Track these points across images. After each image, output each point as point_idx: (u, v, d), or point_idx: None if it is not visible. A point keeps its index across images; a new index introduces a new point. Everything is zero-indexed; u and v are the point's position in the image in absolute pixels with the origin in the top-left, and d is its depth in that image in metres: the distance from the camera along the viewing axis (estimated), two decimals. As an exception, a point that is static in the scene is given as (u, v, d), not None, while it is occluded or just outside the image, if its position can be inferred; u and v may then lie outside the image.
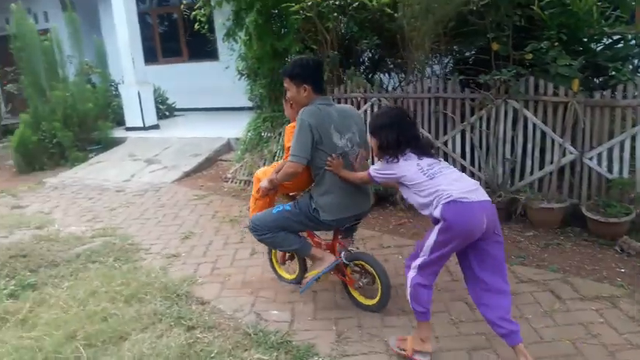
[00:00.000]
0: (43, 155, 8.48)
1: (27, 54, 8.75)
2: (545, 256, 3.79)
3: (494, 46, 4.74)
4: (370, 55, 6.42)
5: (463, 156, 4.82)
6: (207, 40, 9.44)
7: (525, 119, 4.47)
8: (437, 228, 2.37)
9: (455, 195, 2.30)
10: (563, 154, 4.32)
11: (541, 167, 4.47)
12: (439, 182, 2.38)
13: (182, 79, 11.10)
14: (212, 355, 2.74)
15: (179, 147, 8.09)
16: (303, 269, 3.45)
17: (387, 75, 6.41)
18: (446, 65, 6.04)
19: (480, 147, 4.71)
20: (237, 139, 7.43)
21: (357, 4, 5.38)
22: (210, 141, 8.01)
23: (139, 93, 9.39)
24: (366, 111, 5.19)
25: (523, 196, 4.38)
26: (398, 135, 2.52)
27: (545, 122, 4.38)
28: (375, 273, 3.07)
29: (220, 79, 8.12)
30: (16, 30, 8.73)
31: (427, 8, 4.85)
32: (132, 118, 9.59)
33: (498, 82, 4.50)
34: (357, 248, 3.93)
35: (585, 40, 4.73)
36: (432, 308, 2.55)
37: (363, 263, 3.14)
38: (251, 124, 6.74)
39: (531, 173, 4.52)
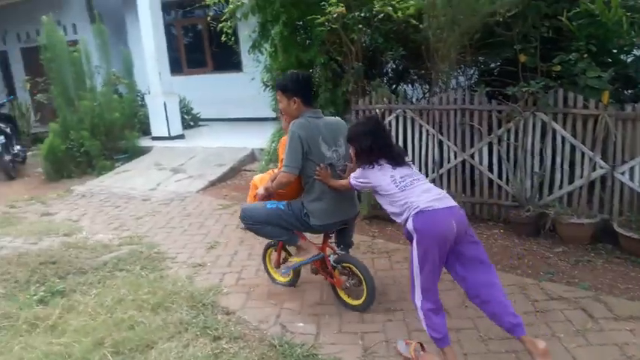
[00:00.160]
0: (71, 163, 8.63)
1: (57, 65, 8.93)
2: (575, 273, 3.71)
3: (522, 58, 4.70)
4: (394, 66, 6.42)
5: (490, 169, 4.76)
6: (231, 51, 9.55)
7: (554, 132, 4.40)
8: (414, 244, 2.54)
9: (422, 206, 2.51)
10: (594, 168, 4.24)
11: (570, 181, 4.39)
12: (409, 194, 2.60)
13: (206, 89, 11.22)
14: (238, 366, 2.75)
15: (204, 157, 8.17)
16: (297, 273, 3.69)
17: (410, 86, 6.40)
18: (471, 76, 6.00)
19: (508, 160, 4.65)
20: (262, 149, 7.47)
21: (382, 15, 5.38)
22: (234, 151, 8.08)
23: (164, 103, 9.53)
24: (390, 122, 5.18)
25: (552, 210, 4.30)
26: (372, 143, 2.75)
27: (574, 135, 4.31)
28: (361, 275, 3.26)
29: (244, 90, 8.21)
30: (47, 41, 8.93)
31: (453, 19, 4.84)
32: (158, 127, 9.72)
33: (526, 94, 4.44)
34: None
35: (615, 51, 4.66)
36: (448, 334, 2.60)
37: (350, 266, 3.34)
38: (275, 134, 6.77)
39: (560, 187, 4.44)
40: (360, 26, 5.41)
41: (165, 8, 10.25)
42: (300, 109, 3.20)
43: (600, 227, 4.19)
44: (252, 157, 7.95)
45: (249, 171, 7.49)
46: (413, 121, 5.06)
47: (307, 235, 3.46)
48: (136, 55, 10.38)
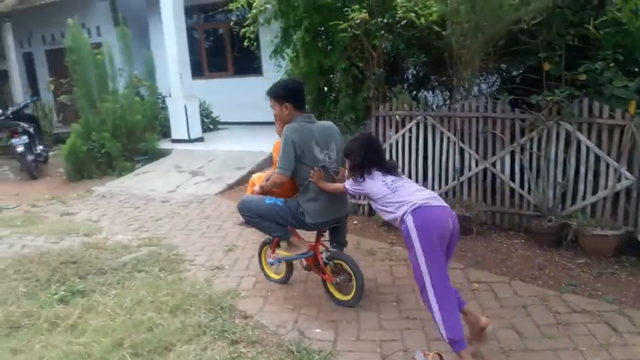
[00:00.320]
0: (92, 164, 8.75)
1: (81, 67, 9.08)
2: (598, 286, 3.63)
3: (546, 66, 4.64)
4: (414, 72, 6.39)
5: (512, 178, 4.70)
6: (252, 56, 9.59)
7: (578, 142, 4.33)
8: (415, 243, 2.62)
9: (418, 202, 2.67)
10: (619, 180, 4.16)
11: (594, 192, 4.30)
12: (401, 194, 2.78)
13: (226, 93, 11.30)
14: (256, 371, 2.74)
15: (223, 160, 8.22)
16: (290, 271, 3.87)
17: (430, 92, 6.36)
18: (492, 84, 5.94)
19: (530, 169, 4.59)
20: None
21: (404, 22, 5.37)
22: (253, 155, 8.11)
23: (185, 106, 9.61)
24: (410, 129, 5.15)
25: (575, 221, 4.22)
26: (364, 157, 2.94)
27: (599, 146, 4.23)
28: (351, 272, 3.42)
29: (264, 94, 8.14)
30: (72, 44, 9.08)
31: (477, 26, 4.80)
32: (178, 130, 9.81)
33: (550, 103, 4.38)
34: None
35: (642, 60, 4.58)
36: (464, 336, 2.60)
37: (341, 262, 3.50)
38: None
39: (584, 198, 4.36)
40: (382, 32, 5.40)
41: (188, 12, 10.34)
42: (292, 114, 3.39)
43: (624, 239, 4.10)
44: (270, 161, 7.95)
45: (268, 175, 7.50)
46: (434, 128, 5.03)
47: (302, 233, 3.64)
48: (158, 58, 10.49)
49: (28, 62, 15.30)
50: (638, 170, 4.08)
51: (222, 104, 11.28)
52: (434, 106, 6.03)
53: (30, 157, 9.21)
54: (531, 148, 4.57)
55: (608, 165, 4.20)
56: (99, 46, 9.86)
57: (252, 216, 3.49)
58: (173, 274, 4.14)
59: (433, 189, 5.09)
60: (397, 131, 5.27)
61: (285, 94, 3.41)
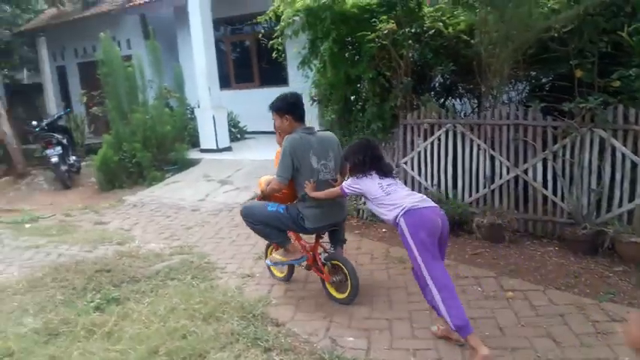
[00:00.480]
0: (123, 174, 8.91)
1: (112, 79, 9.27)
2: (637, 294, 3.54)
3: (578, 73, 4.58)
4: (442, 80, 6.37)
5: (544, 185, 4.64)
6: (278, 66, 9.69)
7: (613, 149, 4.25)
8: (409, 242, 2.90)
9: (408, 206, 2.95)
10: (656, 186, 4.07)
11: (631, 199, 4.22)
12: (394, 198, 3.05)
13: (253, 103, 11.32)
14: (290, 378, 2.75)
15: (250, 169, 8.30)
16: (291, 271, 4.12)
17: (458, 100, 6.32)
18: (521, 91, 5.88)
19: (563, 176, 4.52)
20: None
21: (432, 31, 5.38)
22: (280, 164, 8.14)
23: (213, 117, 9.76)
24: (439, 137, 5.13)
25: (611, 228, 4.14)
26: (364, 156, 3.19)
27: (635, 152, 4.15)
28: (346, 272, 3.61)
29: (291, 104, 8.29)
30: (104, 57, 9.29)
31: (506, 35, 4.77)
32: (206, 140, 9.96)
33: (584, 110, 4.32)
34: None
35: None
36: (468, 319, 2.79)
37: (338, 263, 3.70)
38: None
39: (620, 205, 4.28)
40: (410, 42, 5.41)
41: (215, 25, 10.52)
42: (293, 126, 3.63)
43: (663, 248, 4.00)
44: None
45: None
46: (463, 135, 5.00)
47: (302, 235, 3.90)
48: (187, 70, 10.68)
49: (61, 75, 15.74)
50: (676, 177, 3.99)
51: (249, 114, 11.39)
52: (462, 114, 5.99)
53: (63, 168, 9.43)
54: (564, 155, 4.51)
55: (644, 172, 4.12)
56: (129, 58, 10.09)
57: (254, 222, 3.70)
58: (205, 282, 4.19)
59: (463, 197, 5.06)
60: (425, 139, 5.25)
61: (285, 107, 3.63)
